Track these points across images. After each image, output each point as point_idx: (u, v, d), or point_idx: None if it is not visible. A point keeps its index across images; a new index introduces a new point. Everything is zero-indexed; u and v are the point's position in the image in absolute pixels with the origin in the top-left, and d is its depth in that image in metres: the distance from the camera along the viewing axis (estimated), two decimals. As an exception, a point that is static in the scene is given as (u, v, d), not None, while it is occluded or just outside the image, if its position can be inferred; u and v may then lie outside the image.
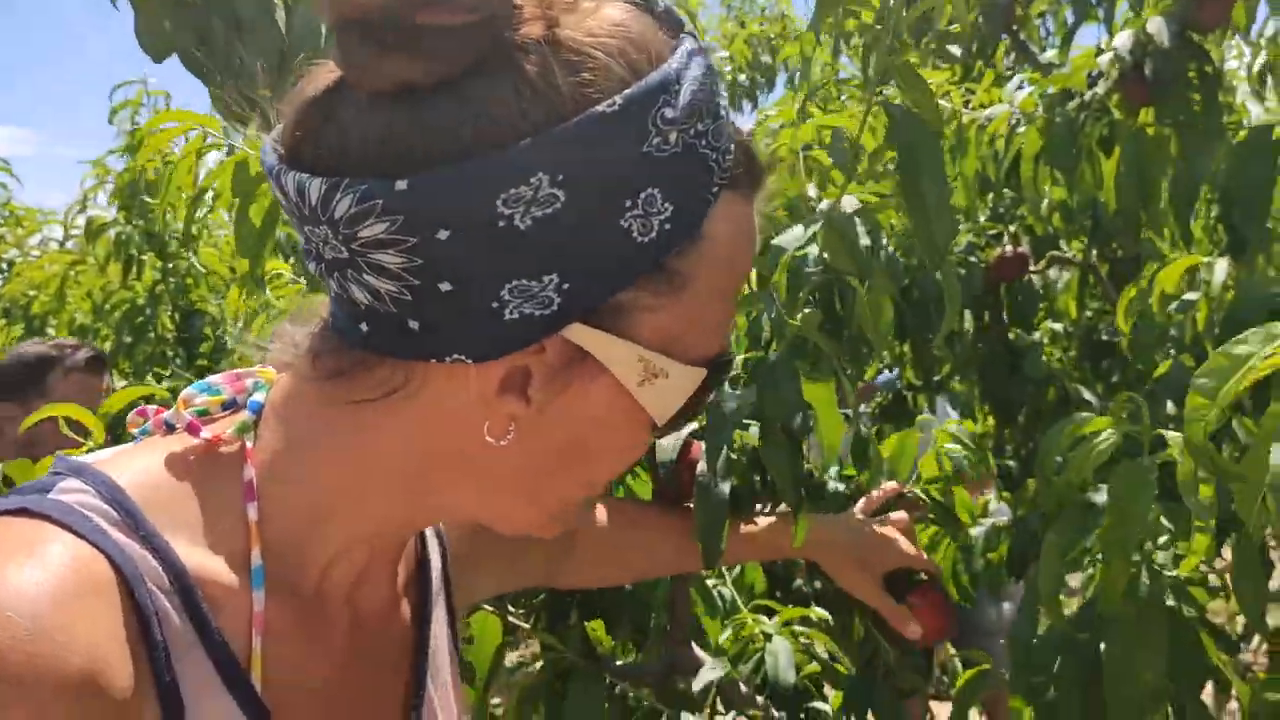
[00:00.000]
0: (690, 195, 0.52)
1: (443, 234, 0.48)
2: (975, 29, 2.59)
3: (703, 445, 1.25)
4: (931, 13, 2.72)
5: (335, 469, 0.58)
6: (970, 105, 2.07)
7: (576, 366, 0.54)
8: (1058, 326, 2.55)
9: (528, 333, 0.52)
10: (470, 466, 0.58)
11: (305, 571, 0.60)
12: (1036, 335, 2.41)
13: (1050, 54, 2.68)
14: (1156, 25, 1.64)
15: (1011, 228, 2.19)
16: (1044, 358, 2.22)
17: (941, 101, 2.11)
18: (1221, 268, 1.43)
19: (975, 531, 1.42)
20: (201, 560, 0.55)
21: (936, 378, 2.35)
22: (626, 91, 0.49)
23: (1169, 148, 1.72)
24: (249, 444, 0.58)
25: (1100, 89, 1.73)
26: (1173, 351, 1.54)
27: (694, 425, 1.20)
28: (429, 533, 0.74)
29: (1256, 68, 1.79)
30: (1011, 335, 2.23)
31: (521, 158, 0.48)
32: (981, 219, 2.16)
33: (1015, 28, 2.63)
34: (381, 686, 0.66)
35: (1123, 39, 1.67)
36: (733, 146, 0.55)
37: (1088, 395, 2.10)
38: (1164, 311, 1.54)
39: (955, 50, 2.70)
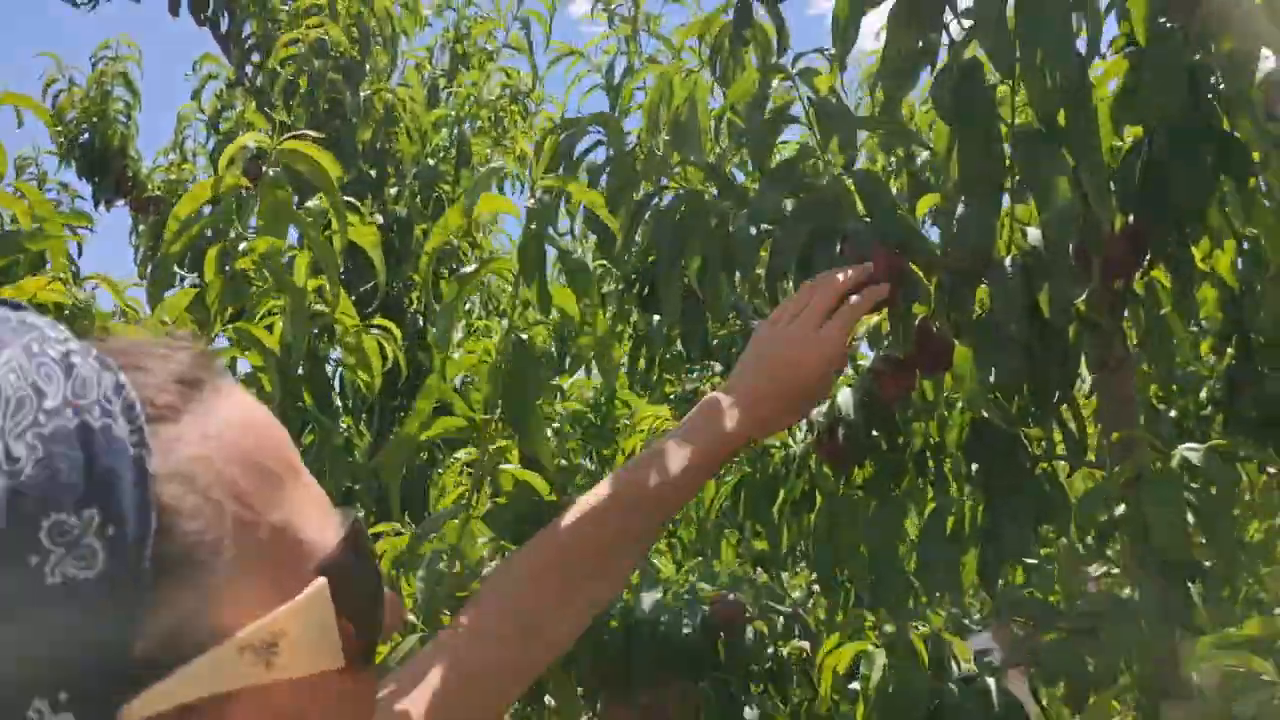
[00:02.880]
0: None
1: None
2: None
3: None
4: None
5: None
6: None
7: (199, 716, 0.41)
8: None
9: None
10: None
11: None
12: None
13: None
14: (844, 396, 1.69)
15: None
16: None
17: (674, 430, 2.14)
18: (879, 660, 1.39)
19: None
20: None
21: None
22: None
23: (864, 511, 1.74)
24: None
25: (798, 449, 1.76)
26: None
27: None
28: None
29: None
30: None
31: None
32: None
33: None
34: None
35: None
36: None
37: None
38: (831, 698, 1.50)
39: (717, 365, 2.79)
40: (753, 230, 1.27)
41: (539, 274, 0.91)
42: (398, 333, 1.61)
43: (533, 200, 0.93)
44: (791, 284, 1.40)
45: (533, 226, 0.90)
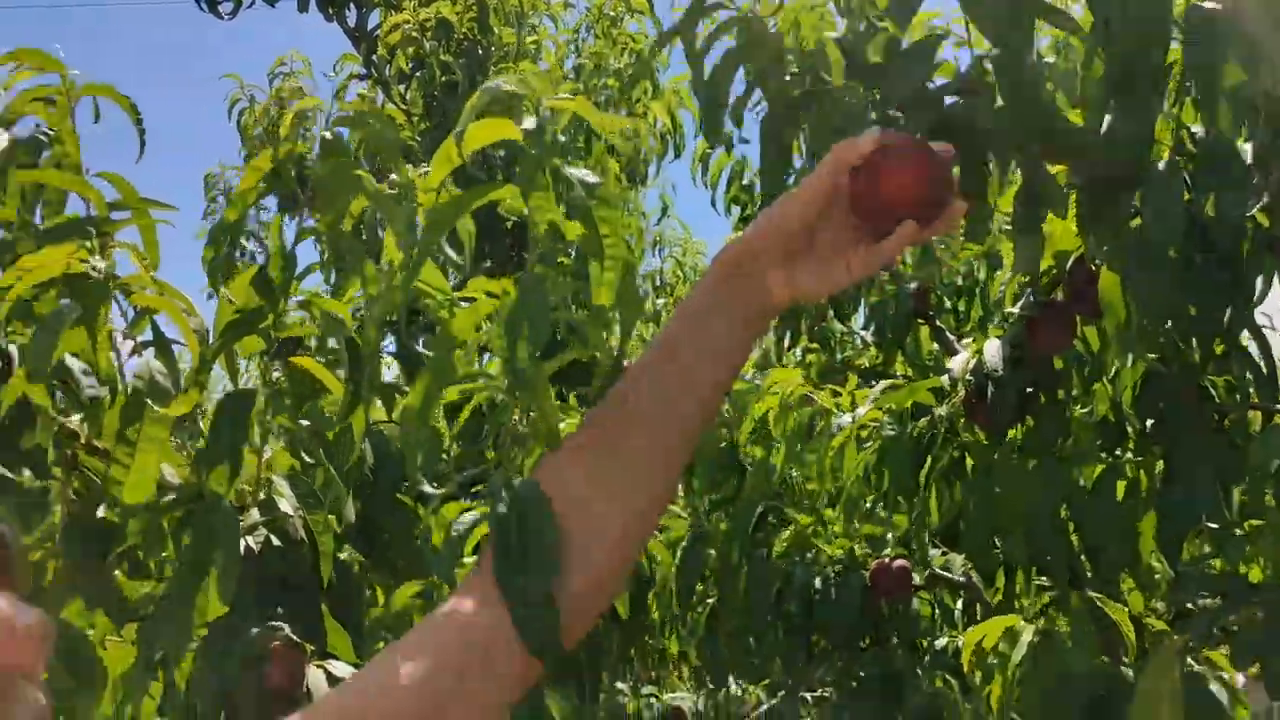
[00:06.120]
0: None
1: None
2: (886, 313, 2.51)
3: None
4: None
5: None
6: (840, 405, 1.94)
7: None
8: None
9: None
10: None
11: None
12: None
13: (968, 340, 2.58)
14: (991, 349, 1.51)
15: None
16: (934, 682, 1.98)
17: (812, 396, 1.99)
18: (1025, 638, 1.23)
19: None
20: None
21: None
22: None
23: (1021, 477, 1.55)
24: None
25: (943, 411, 1.58)
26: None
27: None
28: None
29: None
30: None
31: None
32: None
33: (931, 313, 2.54)
34: None
35: (958, 361, 1.54)
36: None
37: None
38: (975, 675, 1.33)
39: (868, 335, 2.61)
40: (872, 115, 1.10)
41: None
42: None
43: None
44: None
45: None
